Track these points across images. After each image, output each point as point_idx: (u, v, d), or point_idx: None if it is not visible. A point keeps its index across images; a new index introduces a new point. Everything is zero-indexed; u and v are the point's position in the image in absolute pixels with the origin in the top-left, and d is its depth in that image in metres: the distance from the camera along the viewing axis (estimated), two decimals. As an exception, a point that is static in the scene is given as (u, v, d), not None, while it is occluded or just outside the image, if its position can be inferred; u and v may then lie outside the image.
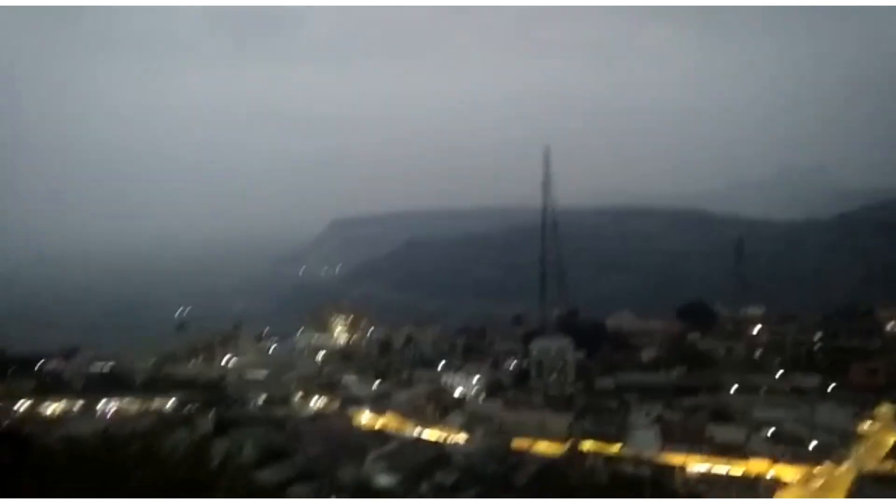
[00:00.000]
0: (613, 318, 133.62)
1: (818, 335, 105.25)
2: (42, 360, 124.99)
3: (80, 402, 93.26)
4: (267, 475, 54.45)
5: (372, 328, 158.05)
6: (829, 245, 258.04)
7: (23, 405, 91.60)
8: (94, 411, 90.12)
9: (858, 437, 67.41)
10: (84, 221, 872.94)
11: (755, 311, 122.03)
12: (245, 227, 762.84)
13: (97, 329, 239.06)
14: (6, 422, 63.83)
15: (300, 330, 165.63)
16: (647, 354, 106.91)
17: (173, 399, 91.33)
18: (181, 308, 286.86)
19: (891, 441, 65.96)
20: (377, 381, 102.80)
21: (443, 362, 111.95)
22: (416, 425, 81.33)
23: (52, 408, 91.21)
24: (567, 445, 69.33)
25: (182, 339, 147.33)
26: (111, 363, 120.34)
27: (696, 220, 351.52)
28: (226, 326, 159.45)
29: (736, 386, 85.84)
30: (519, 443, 71.60)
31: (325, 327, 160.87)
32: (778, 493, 55.88)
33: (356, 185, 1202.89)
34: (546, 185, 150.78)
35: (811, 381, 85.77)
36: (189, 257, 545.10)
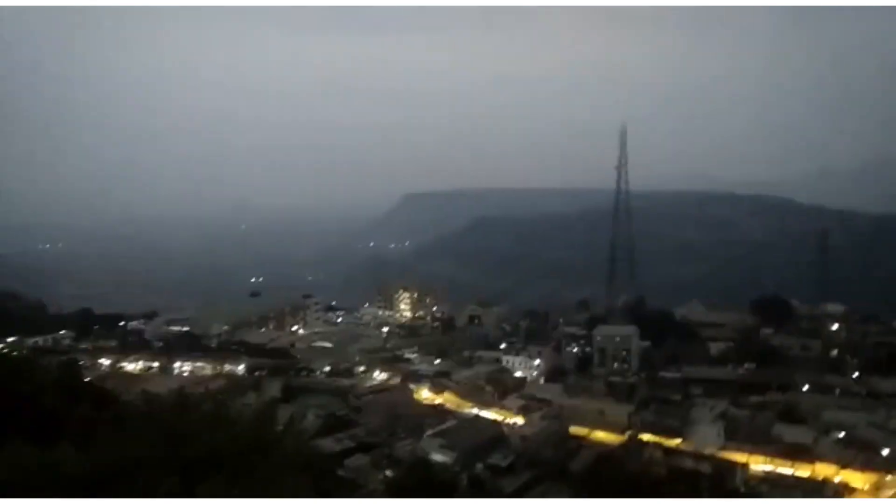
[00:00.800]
0: (683, 308, 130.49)
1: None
2: (124, 321, 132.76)
3: (157, 362, 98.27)
4: (328, 443, 56.49)
5: (437, 305, 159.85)
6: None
7: (106, 362, 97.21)
8: (171, 371, 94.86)
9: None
10: (168, 186, 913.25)
11: (835, 308, 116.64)
12: (319, 200, 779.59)
13: (176, 291, 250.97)
14: (91, 377, 68.01)
15: (366, 303, 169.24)
16: (716, 347, 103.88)
17: (244, 363, 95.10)
18: (255, 276, 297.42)
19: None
20: (438, 359, 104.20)
21: (505, 343, 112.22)
22: (475, 405, 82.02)
23: (131, 366, 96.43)
24: (626, 435, 68.59)
25: (255, 307, 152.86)
26: (187, 326, 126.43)
27: (779, 209, 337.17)
28: (296, 296, 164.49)
29: (808, 386, 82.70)
30: (577, 429, 71.26)
31: (391, 302, 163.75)
32: (845, 497, 53.85)
33: (429, 161, 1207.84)
34: (621, 166, 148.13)
35: (889, 384, 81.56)
36: (264, 226, 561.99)
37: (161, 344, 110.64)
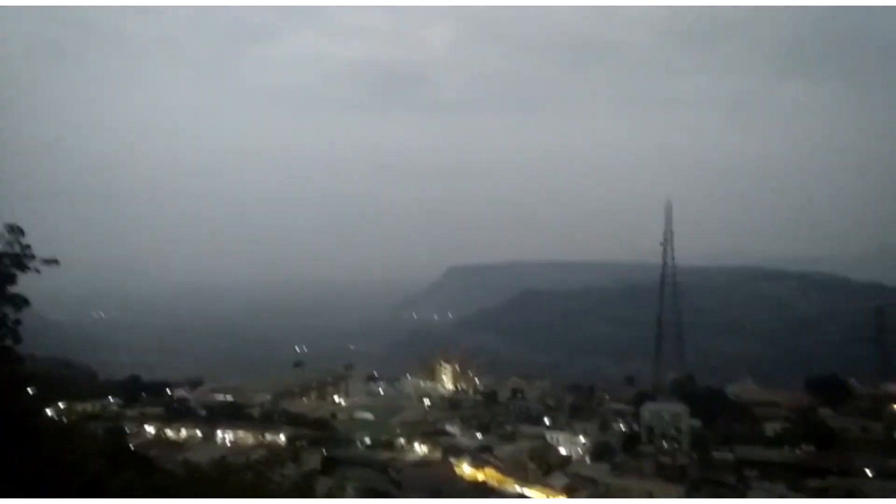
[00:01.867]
0: (734, 386, 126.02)
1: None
2: (170, 388, 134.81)
3: (201, 431, 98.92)
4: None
5: (479, 378, 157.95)
6: None
7: (151, 429, 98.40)
8: (214, 439, 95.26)
9: None
10: (218, 258, 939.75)
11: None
12: (365, 272, 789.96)
13: (221, 361, 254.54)
14: (135, 443, 68.86)
15: (408, 375, 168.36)
16: (770, 428, 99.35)
17: (284, 433, 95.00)
18: (299, 346, 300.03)
19: None
20: (480, 433, 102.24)
21: (549, 419, 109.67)
22: (517, 482, 79.78)
23: (175, 434, 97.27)
24: (677, 519, 65.54)
25: (298, 376, 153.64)
26: (231, 395, 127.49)
27: (832, 287, 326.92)
28: (339, 366, 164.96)
29: (870, 470, 78.05)
30: (625, 511, 68.50)
31: (433, 374, 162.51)
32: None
33: (473, 234, 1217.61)
34: (667, 240, 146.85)
35: (959, 472, 76.44)
36: (311, 298, 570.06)
37: (205, 412, 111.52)
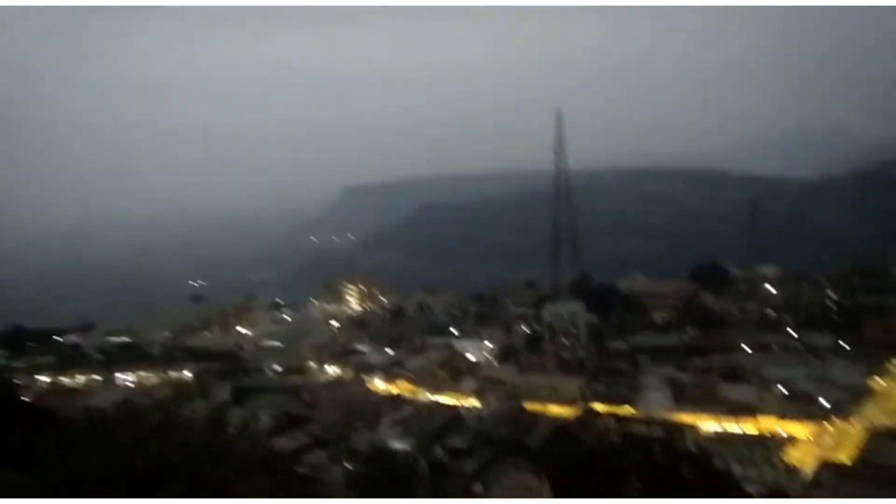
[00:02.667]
0: (626, 281, 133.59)
1: (832, 294, 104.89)
2: (59, 335, 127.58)
3: (99, 375, 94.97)
4: (283, 442, 55.68)
5: (384, 296, 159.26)
6: (845, 203, 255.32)
7: (44, 379, 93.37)
8: (114, 383, 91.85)
9: (870, 394, 67.62)
10: (96, 194, 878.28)
11: (769, 270, 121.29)
12: (256, 198, 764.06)
13: (112, 302, 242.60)
14: (29, 395, 65.12)
15: (313, 299, 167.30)
16: (659, 316, 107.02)
17: (190, 370, 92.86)
18: (195, 280, 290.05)
19: (903, 397, 66.11)
20: (390, 349, 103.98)
21: (455, 329, 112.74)
22: (430, 391, 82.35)
23: (72, 381, 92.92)
24: (579, 408, 70.08)
25: (197, 311, 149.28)
26: (128, 336, 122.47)
27: (711, 181, 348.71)
28: (240, 297, 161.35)
29: (748, 346, 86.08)
30: (532, 406, 72.40)
31: (338, 296, 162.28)
32: (788, 449, 56.37)
33: (366, 153, 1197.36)
34: (558, 147, 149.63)
35: (824, 339, 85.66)
36: (202, 229, 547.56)
37: (101, 356, 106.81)
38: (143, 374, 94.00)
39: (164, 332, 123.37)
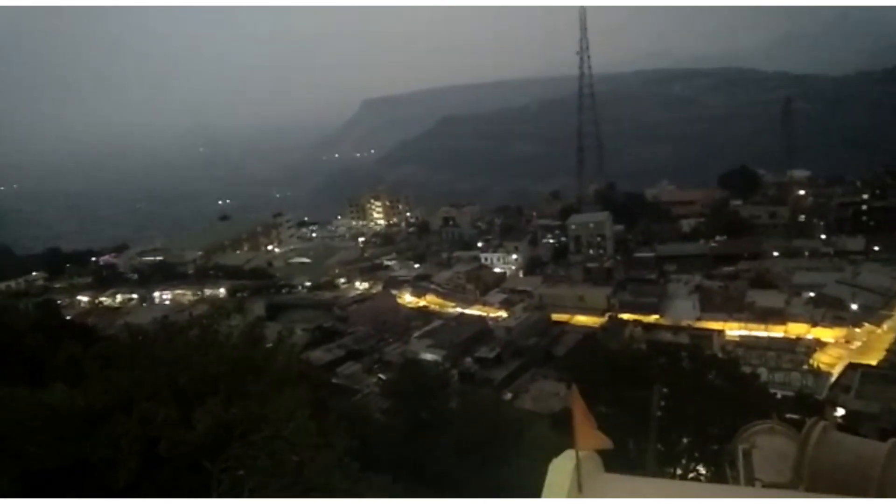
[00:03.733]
0: (653, 190, 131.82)
1: (864, 196, 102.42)
2: (95, 256, 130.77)
3: (136, 294, 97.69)
4: (318, 355, 57.43)
5: (409, 211, 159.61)
6: (881, 100, 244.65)
7: (84, 299, 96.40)
8: (151, 301, 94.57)
9: (902, 298, 67.00)
10: (121, 115, 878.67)
11: (801, 174, 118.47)
12: (276, 114, 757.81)
13: (142, 223, 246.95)
14: (70, 314, 67.48)
15: (339, 216, 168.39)
16: (687, 224, 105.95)
17: (224, 287, 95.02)
18: (222, 199, 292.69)
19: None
20: (417, 263, 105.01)
21: (481, 242, 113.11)
22: (458, 304, 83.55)
23: (110, 300, 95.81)
24: (606, 317, 70.74)
25: (226, 230, 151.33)
26: (161, 256, 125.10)
27: (741, 81, 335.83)
28: (267, 215, 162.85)
29: (777, 252, 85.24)
30: (559, 316, 73.28)
31: (363, 212, 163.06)
32: (816, 353, 56.66)
33: (386, 64, 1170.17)
34: (582, 49, 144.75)
35: (855, 243, 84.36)
36: (225, 147, 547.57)
37: (136, 276, 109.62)
38: (178, 292, 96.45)
39: (195, 252, 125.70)
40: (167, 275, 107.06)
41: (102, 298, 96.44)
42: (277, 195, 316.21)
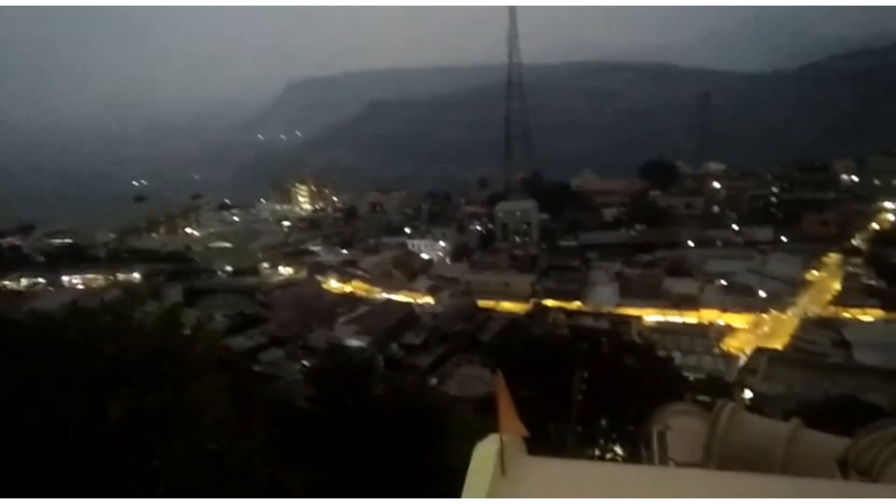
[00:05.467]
0: (577, 179, 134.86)
1: (774, 189, 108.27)
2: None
3: (43, 278, 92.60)
4: (239, 341, 56.03)
5: (336, 195, 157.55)
6: (794, 97, 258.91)
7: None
8: (60, 286, 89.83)
9: (806, 285, 71.40)
10: (31, 90, 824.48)
11: (716, 166, 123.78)
12: (196, 94, 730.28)
13: (51, 203, 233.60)
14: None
15: (262, 199, 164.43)
16: (609, 213, 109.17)
17: (138, 271, 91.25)
18: (137, 180, 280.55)
19: (835, 287, 70.07)
20: (343, 249, 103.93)
21: (409, 228, 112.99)
22: (385, 290, 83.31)
23: (15, 284, 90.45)
24: (530, 303, 72.16)
25: (141, 212, 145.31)
26: (70, 238, 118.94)
27: (663, 75, 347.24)
28: (185, 197, 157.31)
29: (692, 241, 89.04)
30: (485, 303, 74.22)
31: (288, 196, 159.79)
32: (727, 338, 59.71)
33: (312, 45, 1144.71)
34: (511, 41, 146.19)
35: (765, 233, 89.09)
36: (140, 126, 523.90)
37: (43, 259, 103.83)
38: (89, 276, 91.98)
39: (108, 234, 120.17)
40: (77, 258, 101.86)
41: (6, 282, 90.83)
42: (196, 176, 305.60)
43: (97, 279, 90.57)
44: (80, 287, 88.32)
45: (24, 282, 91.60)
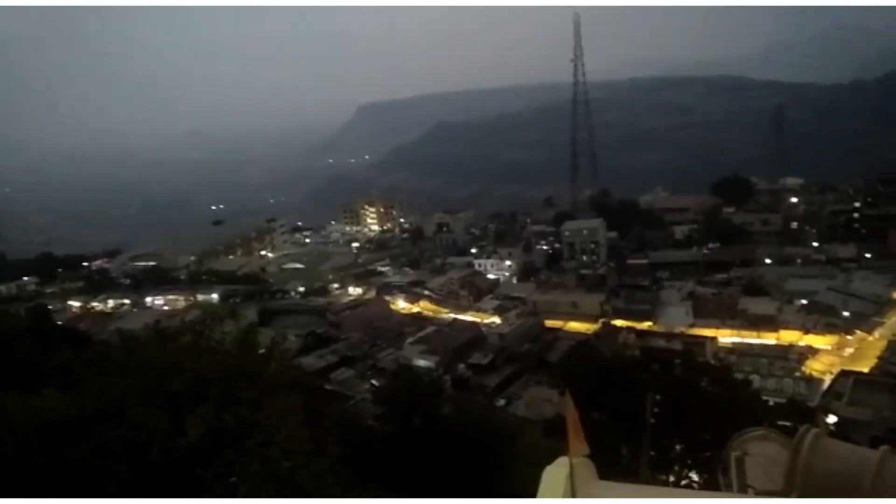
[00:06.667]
0: (646, 197, 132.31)
1: (856, 204, 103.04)
2: (87, 261, 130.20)
3: (128, 299, 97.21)
4: (311, 361, 57.23)
5: (403, 217, 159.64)
6: (873, 109, 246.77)
7: (75, 304, 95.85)
8: (144, 306, 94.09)
9: (892, 304, 67.34)
10: (115, 118, 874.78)
11: (793, 181, 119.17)
12: (269, 120, 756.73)
13: (134, 228, 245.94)
14: (62, 319, 67.07)
15: (332, 221, 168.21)
16: (680, 231, 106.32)
17: (216, 292, 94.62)
18: (215, 205, 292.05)
19: (925, 307, 65.79)
20: (411, 269, 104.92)
21: (475, 248, 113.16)
22: (452, 310, 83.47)
23: (102, 305, 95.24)
24: (599, 323, 70.77)
25: (219, 235, 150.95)
26: (153, 261, 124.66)
27: (734, 88, 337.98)
28: (260, 220, 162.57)
29: (770, 259, 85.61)
30: (552, 322, 73.27)
31: (357, 218, 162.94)
32: (808, 360, 56.84)
33: (381, 69, 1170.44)
34: (576, 57, 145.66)
35: (847, 250, 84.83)
36: (217, 153, 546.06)
37: (128, 281, 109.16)
38: (170, 297, 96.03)
39: (188, 257, 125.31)
40: (160, 280, 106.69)
41: (94, 303, 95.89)
42: (271, 200, 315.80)
43: (178, 300, 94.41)
44: (162, 308, 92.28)
45: (110, 303, 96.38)
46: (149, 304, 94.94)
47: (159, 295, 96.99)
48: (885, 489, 3.81)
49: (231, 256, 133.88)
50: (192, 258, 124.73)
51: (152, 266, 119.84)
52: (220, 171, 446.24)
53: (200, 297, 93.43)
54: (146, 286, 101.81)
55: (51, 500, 10.72)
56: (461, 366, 59.35)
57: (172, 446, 11.98)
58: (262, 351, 17.84)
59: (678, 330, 65.45)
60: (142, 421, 12.36)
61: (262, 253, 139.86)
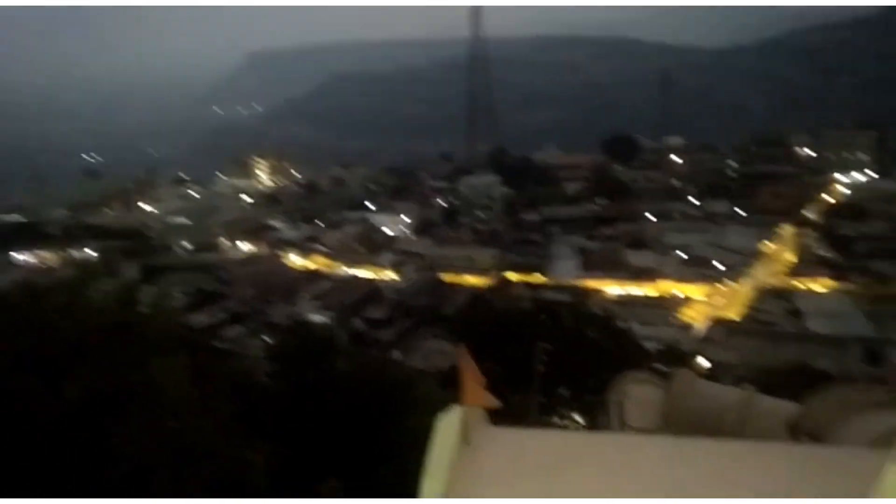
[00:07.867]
0: (540, 154, 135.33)
1: (733, 163, 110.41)
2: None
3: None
4: (200, 318, 55.23)
5: (296, 170, 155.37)
6: (752, 72, 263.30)
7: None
8: (11, 263, 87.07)
9: (761, 257, 73.32)
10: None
11: (675, 141, 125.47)
12: (151, 64, 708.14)
13: None
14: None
15: (220, 174, 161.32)
16: (571, 188, 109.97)
17: (93, 249, 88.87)
18: (88, 153, 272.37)
19: (790, 259, 72.12)
20: (305, 224, 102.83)
21: (371, 203, 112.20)
22: (348, 265, 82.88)
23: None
24: (494, 277, 72.62)
25: (94, 187, 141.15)
26: (20, 214, 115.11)
27: (625, 50, 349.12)
28: (140, 172, 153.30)
29: (652, 214, 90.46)
30: (448, 277, 74.41)
31: (247, 171, 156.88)
32: (684, 309, 61.10)
33: (272, 16, 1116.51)
34: (475, 13, 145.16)
35: (722, 206, 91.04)
36: (91, 97, 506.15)
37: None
38: (41, 253, 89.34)
39: (60, 210, 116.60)
40: (28, 234, 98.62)
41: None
42: (153, 152, 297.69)
43: (51, 257, 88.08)
44: (32, 265, 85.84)
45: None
46: (17, 261, 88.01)
47: (28, 251, 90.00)
48: (747, 424, 4.11)
49: (108, 210, 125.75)
50: (65, 211, 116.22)
51: (19, 220, 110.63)
52: (93, 118, 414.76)
53: (75, 254, 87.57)
54: (13, 241, 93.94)
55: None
56: (357, 320, 59.34)
57: (47, 412, 11.28)
58: (145, 309, 16.99)
59: (567, 282, 68.37)
60: (13, 387, 11.53)
61: (144, 207, 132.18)
